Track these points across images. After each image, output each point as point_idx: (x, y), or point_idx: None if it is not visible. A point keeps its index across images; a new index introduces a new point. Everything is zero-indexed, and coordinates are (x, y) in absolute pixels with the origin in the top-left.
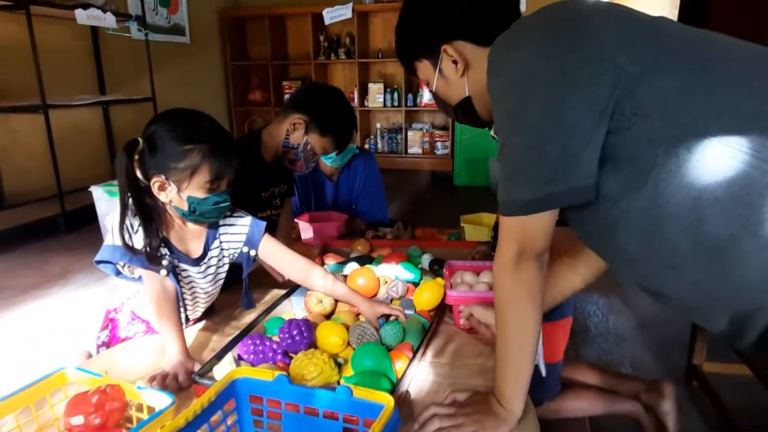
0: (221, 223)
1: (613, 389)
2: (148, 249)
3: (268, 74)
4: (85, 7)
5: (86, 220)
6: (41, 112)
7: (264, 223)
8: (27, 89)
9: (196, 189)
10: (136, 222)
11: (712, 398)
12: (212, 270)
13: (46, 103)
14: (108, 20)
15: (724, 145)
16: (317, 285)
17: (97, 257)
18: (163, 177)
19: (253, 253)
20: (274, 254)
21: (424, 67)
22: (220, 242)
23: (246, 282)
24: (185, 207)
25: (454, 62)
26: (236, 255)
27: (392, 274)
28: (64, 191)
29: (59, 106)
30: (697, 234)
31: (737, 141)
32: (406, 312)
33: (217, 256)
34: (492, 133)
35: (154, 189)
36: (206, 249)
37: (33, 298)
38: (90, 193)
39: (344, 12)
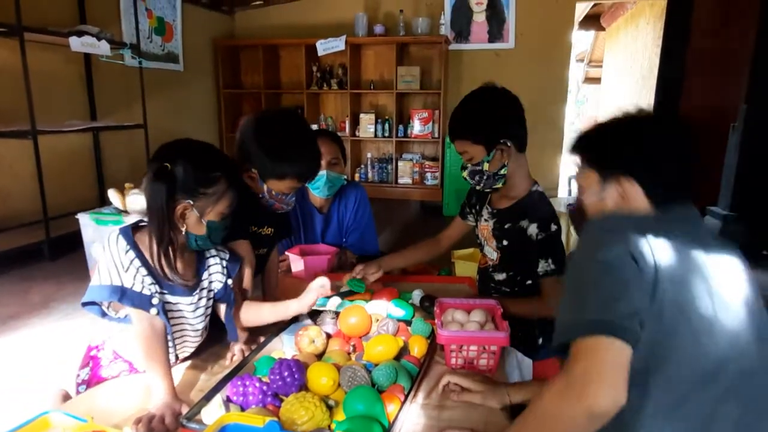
0: (207, 254)
1: None
2: (170, 279)
3: (261, 102)
4: (80, 34)
5: (71, 248)
6: (30, 137)
7: (238, 262)
8: (17, 114)
9: (216, 215)
10: (128, 259)
11: None
12: (203, 302)
13: (35, 128)
14: (102, 48)
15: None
16: (248, 319)
17: (85, 298)
18: (190, 202)
19: (230, 282)
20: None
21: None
22: (209, 273)
23: (229, 314)
24: (203, 232)
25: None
26: (218, 288)
27: (384, 311)
28: (49, 217)
29: (48, 131)
30: None
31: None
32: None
33: (207, 288)
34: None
35: (176, 215)
36: (199, 278)
37: (13, 329)
38: (76, 219)
39: (337, 44)
